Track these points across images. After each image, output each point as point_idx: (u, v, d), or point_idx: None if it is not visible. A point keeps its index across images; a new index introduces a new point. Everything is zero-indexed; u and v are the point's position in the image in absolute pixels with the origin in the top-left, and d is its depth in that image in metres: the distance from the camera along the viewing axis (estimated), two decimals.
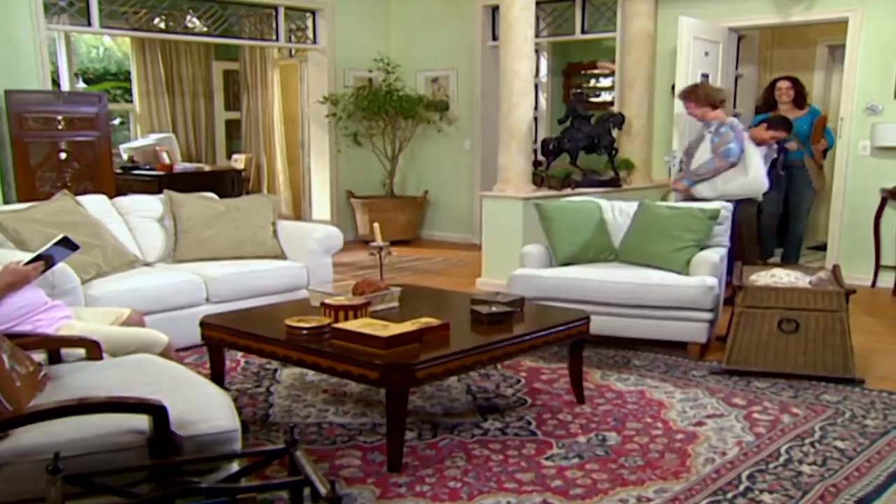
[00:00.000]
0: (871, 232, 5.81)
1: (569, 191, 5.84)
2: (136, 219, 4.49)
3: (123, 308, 2.94)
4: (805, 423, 3.16)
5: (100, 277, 3.82)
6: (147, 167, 7.84)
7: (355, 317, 2.97)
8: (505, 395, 3.47)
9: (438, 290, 3.85)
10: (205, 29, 7.77)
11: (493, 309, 3.12)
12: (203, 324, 3.07)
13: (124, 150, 8.34)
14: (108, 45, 11.18)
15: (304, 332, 2.81)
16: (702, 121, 5.02)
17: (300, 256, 4.64)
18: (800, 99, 5.91)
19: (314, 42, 8.31)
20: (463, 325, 3.08)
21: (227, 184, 8.00)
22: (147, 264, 4.39)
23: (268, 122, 9.97)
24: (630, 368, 3.88)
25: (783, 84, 5.96)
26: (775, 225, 6.15)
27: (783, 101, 5.95)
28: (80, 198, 4.19)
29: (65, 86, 8.63)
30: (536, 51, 9.45)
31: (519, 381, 3.66)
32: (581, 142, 6.10)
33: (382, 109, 7.97)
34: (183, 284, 4.05)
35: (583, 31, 7.56)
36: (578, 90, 9.22)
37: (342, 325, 2.80)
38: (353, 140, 8.23)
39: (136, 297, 3.77)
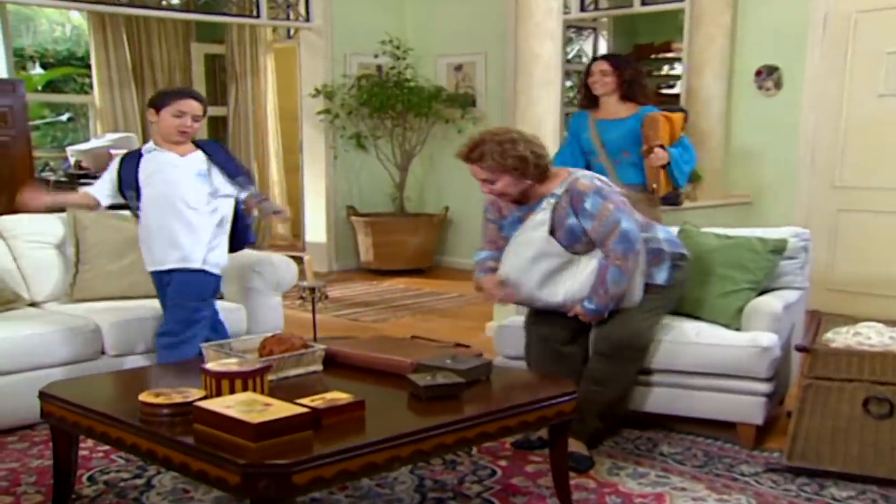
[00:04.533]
0: None
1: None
2: (24, 244, 4.33)
3: None
4: None
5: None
6: (98, 174, 7.76)
7: (244, 388, 2.69)
8: (467, 494, 3.14)
9: (390, 345, 3.54)
10: (180, 3, 7.70)
11: (438, 379, 2.81)
12: (42, 395, 2.83)
13: (71, 154, 8.31)
14: (78, 22, 11.29)
15: (165, 411, 2.54)
16: None
17: (239, 295, 4.43)
18: (629, 90, 4.59)
19: (307, 19, 8.17)
20: (393, 402, 2.81)
21: None
22: (33, 304, 4.24)
23: (260, 120, 9.92)
24: (653, 458, 3.51)
25: (597, 66, 4.61)
26: None
27: (598, 92, 4.61)
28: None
29: (1, 72, 8.66)
30: (593, 29, 9.18)
31: (494, 472, 3.34)
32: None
33: (388, 105, 7.79)
34: (70, 333, 3.86)
35: (643, 2, 7.24)
36: None
37: (210, 402, 2.52)
38: (355, 143, 8.07)
39: (4, 348, 3.60)
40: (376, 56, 8.11)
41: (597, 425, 3.50)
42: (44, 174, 8.02)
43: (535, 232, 3.42)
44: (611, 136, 4.51)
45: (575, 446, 3.36)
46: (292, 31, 9.30)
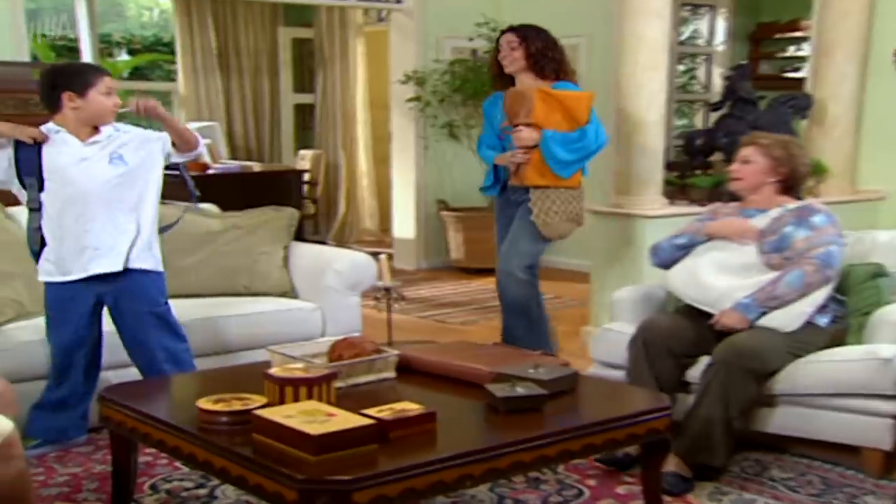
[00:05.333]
0: None
1: (718, 206, 5.33)
2: None
3: None
4: None
5: (19, 320, 3.73)
6: (174, 164, 7.92)
7: (309, 396, 2.68)
8: None
9: (470, 351, 3.49)
10: None
11: (518, 390, 2.75)
12: (101, 398, 2.88)
13: None
14: (165, 6, 11.57)
15: (223, 419, 2.55)
16: None
17: (315, 295, 4.45)
18: (537, 64, 4.37)
19: (398, 1, 8.18)
20: (469, 414, 2.77)
21: (285, 190, 8.01)
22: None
23: (348, 108, 10.01)
24: (762, 483, 3.38)
25: (504, 39, 4.43)
26: None
27: (508, 69, 4.43)
28: (11, 209, 4.15)
29: (86, 58, 8.96)
30: (711, 7, 8.92)
31: (581, 492, 3.26)
32: (743, 135, 5.59)
33: (483, 92, 7.73)
34: None
35: None
36: (743, 63, 8.60)
37: (270, 411, 2.51)
38: (447, 133, 8.06)
39: None
40: (471, 39, 8.02)
41: (706, 444, 3.36)
42: None
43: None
44: None
45: (675, 466, 3.27)
46: (384, 14, 9.34)
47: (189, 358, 3.63)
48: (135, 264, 3.52)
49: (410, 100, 8.00)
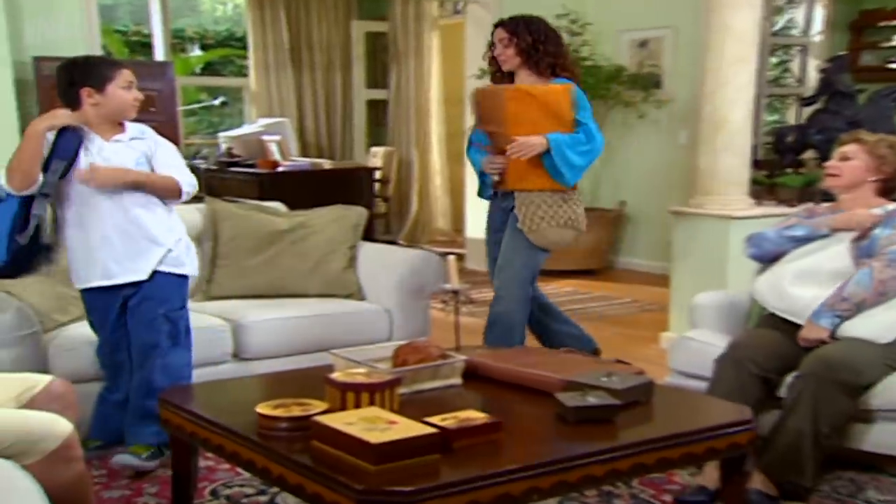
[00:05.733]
0: None
1: (810, 207, 5.20)
2: None
3: (41, 375, 2.83)
4: None
5: (83, 320, 3.79)
6: (250, 162, 8.05)
7: (371, 402, 2.67)
8: None
9: (540, 358, 3.44)
10: None
11: (589, 400, 2.70)
12: (161, 400, 2.91)
13: (222, 140, 8.65)
14: (239, 1, 11.76)
15: (283, 425, 2.55)
16: None
17: (383, 296, 4.46)
18: (529, 59, 4.19)
19: None
20: (537, 424, 2.74)
21: (356, 188, 8.06)
22: None
23: (423, 104, 10.04)
24: None
25: (496, 35, 4.27)
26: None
27: (505, 67, 4.30)
28: None
29: (159, 53, 9.13)
30: None
31: None
32: (839, 132, 5.44)
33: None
34: (201, 333, 3.94)
35: None
36: (841, 53, 8.37)
37: (330, 417, 2.50)
38: None
39: None
40: None
41: (793, 460, 3.25)
42: (195, 161, 8.38)
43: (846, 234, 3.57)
44: None
45: (761, 484, 3.19)
46: (460, 6, 9.33)
47: (188, 373, 3.59)
48: (159, 267, 3.52)
49: None
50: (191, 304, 4.29)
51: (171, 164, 3.53)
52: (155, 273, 3.49)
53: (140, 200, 3.45)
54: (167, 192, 3.49)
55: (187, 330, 3.61)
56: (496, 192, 4.41)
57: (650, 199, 7.94)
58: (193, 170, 7.90)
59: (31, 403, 2.72)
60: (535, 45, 4.15)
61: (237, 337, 4.08)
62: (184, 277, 3.60)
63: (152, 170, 3.48)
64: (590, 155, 4.21)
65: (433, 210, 10.09)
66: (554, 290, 7.27)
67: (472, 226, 8.43)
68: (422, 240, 9.68)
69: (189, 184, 3.53)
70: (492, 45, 4.31)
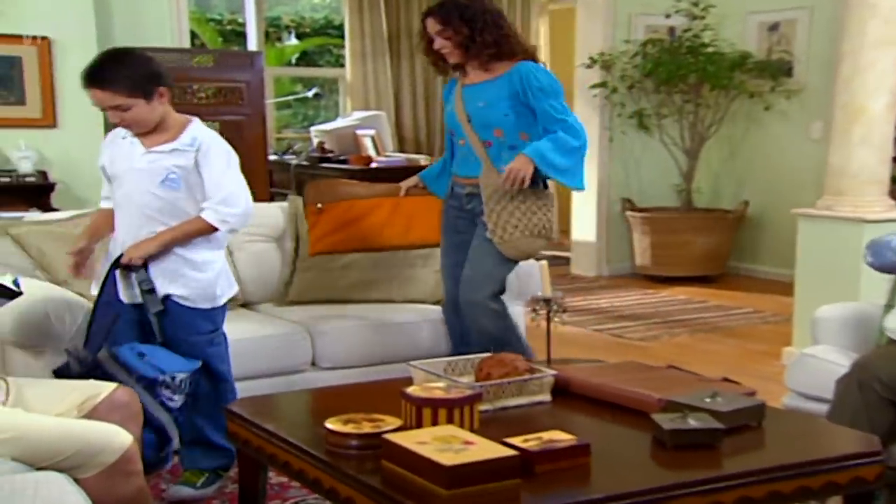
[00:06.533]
0: None
1: None
2: (240, 237, 4.49)
3: (105, 383, 2.86)
4: None
5: None
6: (342, 157, 8.10)
7: (449, 419, 2.63)
8: None
9: (639, 374, 3.35)
10: None
11: (690, 422, 2.60)
12: (227, 412, 2.92)
13: (315, 134, 8.73)
14: None
15: (353, 442, 2.53)
16: None
17: None
18: (474, 45, 3.85)
19: None
20: (631, 447, 2.66)
21: None
22: (245, 304, 4.42)
23: None
24: None
25: (429, 26, 3.92)
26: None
27: (451, 60, 3.97)
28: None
29: (252, 43, 9.28)
30: None
31: None
32: None
33: (678, 76, 7.60)
34: (277, 340, 4.00)
35: None
36: None
37: (402, 435, 2.47)
38: (636, 124, 7.96)
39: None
40: (668, 16, 7.93)
41: None
42: (286, 157, 8.48)
43: None
44: (475, 107, 3.90)
45: None
46: None
47: (222, 399, 3.42)
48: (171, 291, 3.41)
49: (594, 86, 7.90)
50: (269, 309, 4.37)
51: (211, 186, 3.34)
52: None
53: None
54: (200, 234, 3.38)
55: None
56: (456, 185, 4.09)
57: (776, 199, 7.74)
58: (283, 166, 8.12)
59: (93, 413, 2.76)
60: (472, 36, 3.81)
61: (315, 345, 4.10)
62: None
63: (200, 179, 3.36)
64: (580, 151, 3.94)
65: None
66: (665, 298, 7.23)
67: (578, 228, 8.39)
68: None
69: (227, 217, 3.32)
70: (426, 37, 3.96)
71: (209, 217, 3.31)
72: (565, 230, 9.44)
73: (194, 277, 3.39)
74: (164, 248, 3.32)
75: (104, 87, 3.18)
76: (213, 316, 3.47)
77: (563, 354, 4.69)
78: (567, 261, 8.55)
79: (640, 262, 7.97)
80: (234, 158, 3.41)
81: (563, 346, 5.21)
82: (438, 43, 3.88)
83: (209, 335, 3.45)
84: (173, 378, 3.16)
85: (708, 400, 2.75)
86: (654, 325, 6.34)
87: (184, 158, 3.31)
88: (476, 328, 3.97)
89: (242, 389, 3.69)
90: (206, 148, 3.33)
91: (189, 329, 3.39)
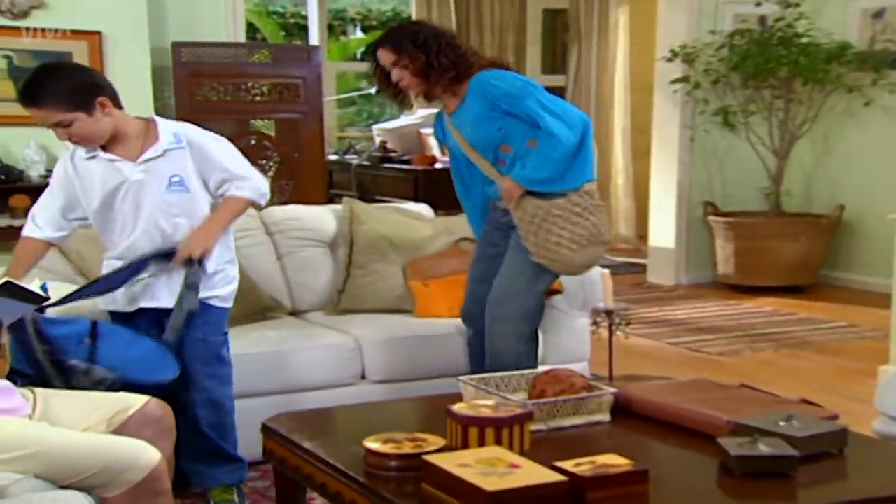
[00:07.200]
0: None
1: None
2: (291, 241, 4.55)
3: (137, 396, 2.87)
4: None
5: None
6: (405, 157, 8.11)
7: (496, 440, 2.60)
8: None
9: (708, 393, 3.27)
10: None
11: (760, 448, 2.52)
12: (264, 428, 2.92)
13: (377, 133, 8.75)
14: None
15: (392, 464, 2.50)
16: None
17: None
18: (435, 71, 3.74)
19: None
20: (694, 474, 2.60)
21: None
22: (294, 313, 4.43)
23: (604, 91, 10.00)
24: None
25: (381, 58, 3.81)
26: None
27: (412, 93, 3.92)
28: None
29: (313, 38, 9.34)
30: None
31: None
32: None
33: (768, 69, 7.51)
34: (326, 351, 4.00)
35: None
36: None
37: (443, 457, 2.43)
38: (720, 121, 7.89)
39: (246, 365, 3.73)
40: (759, 4, 7.82)
41: None
42: (347, 157, 8.51)
43: None
44: (468, 133, 3.78)
45: None
46: None
47: (231, 407, 3.50)
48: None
49: (675, 81, 7.83)
50: (318, 318, 4.38)
51: (230, 166, 3.40)
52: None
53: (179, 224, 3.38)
54: (241, 214, 3.50)
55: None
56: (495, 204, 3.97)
57: (875, 203, 7.56)
58: (344, 166, 8.16)
59: (123, 427, 2.77)
60: (429, 62, 3.72)
61: (365, 357, 4.09)
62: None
63: (204, 182, 3.40)
64: (565, 154, 3.68)
65: (614, 214, 9.99)
66: (750, 310, 7.13)
67: (656, 233, 8.34)
68: None
69: (262, 188, 3.43)
70: (378, 69, 3.87)
71: (247, 194, 3.38)
72: (642, 235, 9.41)
73: (235, 276, 3.49)
74: (221, 235, 3.39)
75: (40, 104, 3.17)
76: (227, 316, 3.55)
77: (632, 369, 4.66)
78: (643, 268, 8.49)
79: (722, 271, 7.86)
80: (222, 139, 3.47)
81: (633, 360, 5.20)
82: (396, 74, 3.78)
83: (225, 336, 3.52)
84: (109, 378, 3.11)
85: (782, 423, 2.68)
86: (736, 338, 6.24)
87: (179, 160, 3.33)
88: (492, 350, 3.81)
89: (286, 403, 3.70)
90: (196, 142, 3.37)
91: (216, 329, 3.44)
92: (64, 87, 3.17)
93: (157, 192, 3.30)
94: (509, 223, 3.83)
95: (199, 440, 3.40)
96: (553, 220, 3.69)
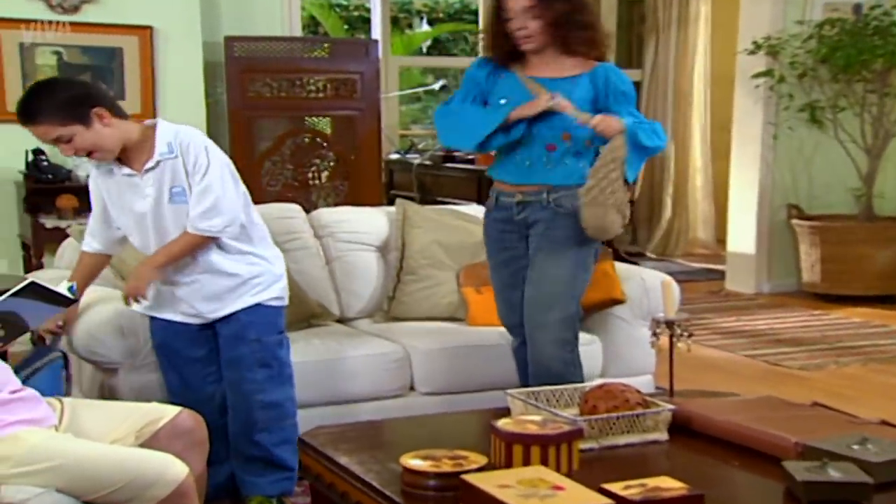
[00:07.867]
0: None
1: None
2: (340, 244, 4.55)
3: (168, 407, 2.89)
4: None
5: None
6: (469, 157, 8.10)
7: (542, 459, 2.57)
8: None
9: (778, 412, 3.21)
10: None
11: (830, 473, 2.46)
12: (301, 442, 2.92)
13: None
14: None
15: (430, 483, 2.48)
16: None
17: (595, 323, 4.37)
18: (560, 35, 3.66)
19: None
20: (754, 500, 2.60)
21: None
22: (342, 320, 4.44)
23: (683, 86, 9.95)
24: None
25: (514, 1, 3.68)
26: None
27: (524, 46, 3.72)
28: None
29: (375, 31, 9.39)
30: None
31: None
32: None
33: (861, 62, 7.42)
34: (374, 360, 4.00)
35: None
36: None
37: (482, 476, 2.41)
38: (807, 118, 7.80)
39: (297, 374, 3.70)
40: None
41: None
42: (408, 156, 8.52)
43: None
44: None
45: None
46: None
47: (292, 410, 3.56)
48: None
49: (757, 75, 7.73)
50: (367, 325, 4.39)
51: (203, 198, 3.34)
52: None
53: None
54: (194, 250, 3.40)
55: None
56: (502, 194, 3.87)
57: None
58: (406, 166, 8.15)
59: (153, 439, 2.79)
60: (572, 14, 3.65)
61: (414, 367, 4.09)
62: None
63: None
64: (658, 141, 3.73)
65: (691, 217, 9.95)
66: (836, 321, 7.05)
67: (735, 237, 8.27)
68: (675, 253, 9.55)
69: (218, 227, 3.36)
70: (499, 17, 3.73)
71: (196, 230, 3.33)
72: (721, 240, 9.33)
73: (279, 273, 3.55)
74: (160, 274, 3.38)
75: (35, 120, 3.20)
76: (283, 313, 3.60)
77: (702, 384, 4.57)
78: (721, 275, 8.42)
79: (807, 279, 7.78)
80: (214, 150, 3.40)
81: (704, 373, 5.15)
82: (519, 22, 3.67)
83: (282, 335, 3.56)
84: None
85: (856, 447, 2.62)
86: (820, 351, 6.15)
87: (175, 170, 3.33)
88: (535, 358, 3.76)
89: (330, 415, 3.72)
90: (193, 154, 3.33)
91: (270, 328, 3.49)
92: (57, 100, 3.20)
93: (163, 205, 3.33)
94: (527, 220, 3.78)
95: (246, 445, 3.45)
96: (621, 170, 3.64)
